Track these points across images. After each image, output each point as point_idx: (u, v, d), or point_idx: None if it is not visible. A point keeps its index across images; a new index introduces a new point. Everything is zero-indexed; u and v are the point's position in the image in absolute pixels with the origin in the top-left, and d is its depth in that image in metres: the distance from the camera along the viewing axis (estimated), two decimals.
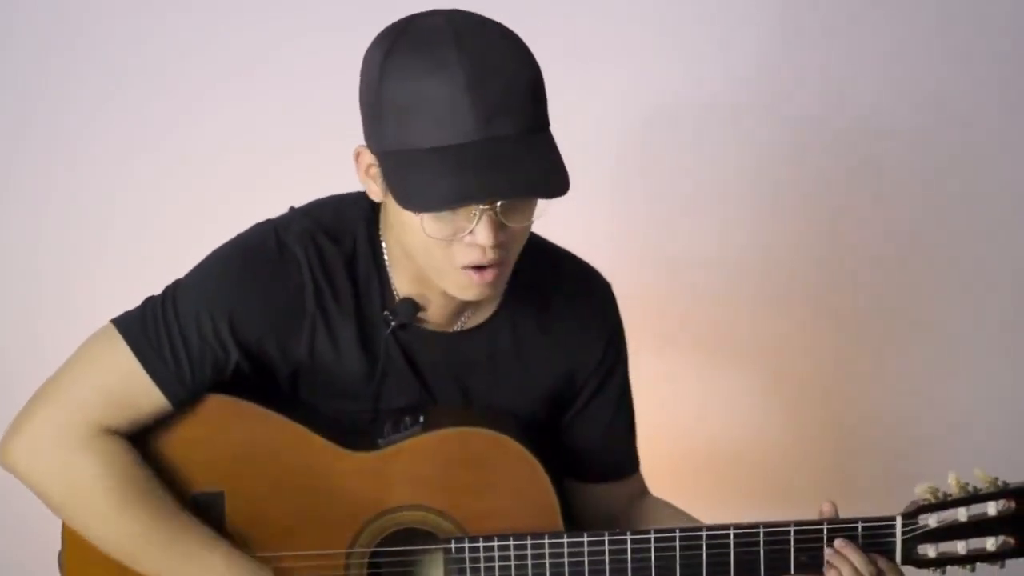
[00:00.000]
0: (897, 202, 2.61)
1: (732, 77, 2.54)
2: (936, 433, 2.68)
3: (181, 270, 1.70)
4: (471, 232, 1.52)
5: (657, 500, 1.87)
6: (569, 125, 1.65)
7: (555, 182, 1.48)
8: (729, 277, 2.60)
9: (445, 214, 1.51)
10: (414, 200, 1.48)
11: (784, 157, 2.57)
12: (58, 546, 1.72)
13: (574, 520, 1.83)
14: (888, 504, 2.51)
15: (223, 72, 2.47)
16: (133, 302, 1.70)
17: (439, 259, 1.56)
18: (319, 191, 1.77)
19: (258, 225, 1.70)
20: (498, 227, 1.52)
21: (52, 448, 1.62)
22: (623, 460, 1.86)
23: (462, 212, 1.51)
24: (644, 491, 1.89)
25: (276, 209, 1.74)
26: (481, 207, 1.50)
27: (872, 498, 2.63)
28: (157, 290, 1.69)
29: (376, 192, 1.58)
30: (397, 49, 1.49)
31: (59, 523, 1.70)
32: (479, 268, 1.55)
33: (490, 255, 1.54)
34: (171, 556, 1.63)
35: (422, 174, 1.47)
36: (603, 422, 1.81)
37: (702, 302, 2.59)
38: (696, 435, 2.59)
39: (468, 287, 1.58)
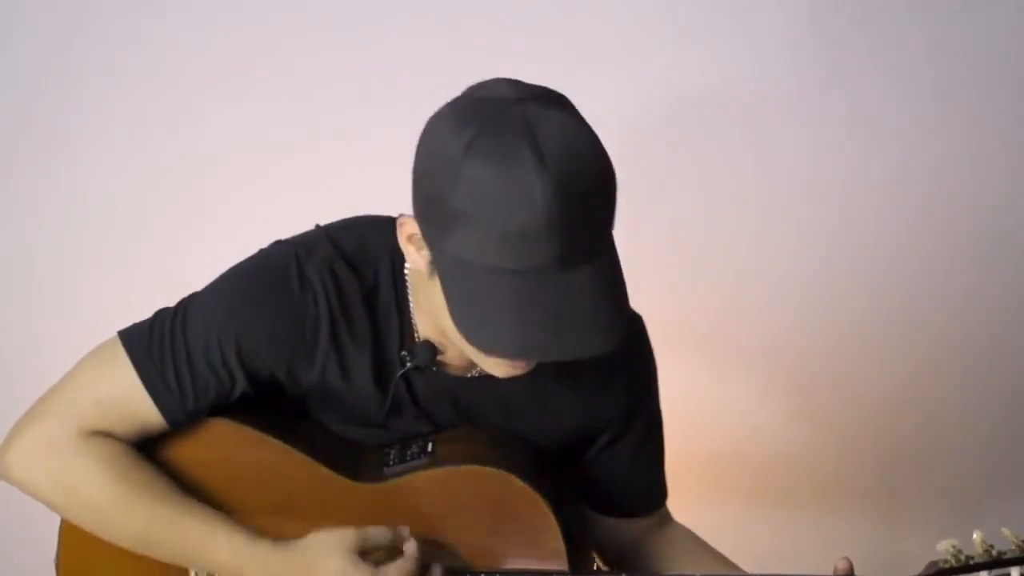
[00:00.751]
0: (899, 204, 2.61)
1: (732, 77, 2.53)
2: (936, 434, 2.68)
3: (181, 270, 1.70)
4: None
5: (679, 531, 1.83)
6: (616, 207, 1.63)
7: (616, 335, 1.44)
8: (729, 278, 2.60)
9: None
10: (474, 334, 1.43)
11: (785, 157, 2.57)
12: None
13: (597, 548, 1.81)
14: (887, 504, 2.52)
15: (223, 72, 2.47)
16: (133, 302, 1.69)
17: (473, 351, 1.52)
18: (319, 191, 1.77)
19: (280, 245, 1.65)
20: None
21: (48, 457, 1.61)
22: (649, 496, 1.82)
23: None
24: (667, 519, 1.85)
25: (276, 210, 1.73)
26: None
27: (871, 499, 2.64)
28: (156, 291, 1.68)
29: (418, 262, 1.51)
30: (477, 146, 1.39)
31: (59, 523, 1.70)
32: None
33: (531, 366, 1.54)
34: (177, 541, 1.62)
35: (488, 302, 1.42)
36: (625, 460, 1.77)
37: (703, 303, 2.58)
38: (696, 436, 2.58)
39: (502, 369, 1.55)
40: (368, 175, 2.02)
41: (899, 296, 2.65)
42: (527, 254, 1.39)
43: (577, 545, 1.68)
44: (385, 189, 1.75)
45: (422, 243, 1.48)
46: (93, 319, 1.70)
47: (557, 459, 1.74)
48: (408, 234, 1.50)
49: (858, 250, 2.62)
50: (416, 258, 1.51)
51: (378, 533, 1.60)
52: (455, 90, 1.56)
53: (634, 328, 1.73)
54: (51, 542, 1.72)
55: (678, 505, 1.90)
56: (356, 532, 1.58)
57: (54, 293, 2.52)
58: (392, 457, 1.67)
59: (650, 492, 1.82)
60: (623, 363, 1.71)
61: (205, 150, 2.48)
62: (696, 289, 2.58)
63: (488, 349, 1.44)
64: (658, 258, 2.55)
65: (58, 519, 1.70)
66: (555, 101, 1.46)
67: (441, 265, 1.46)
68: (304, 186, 2.15)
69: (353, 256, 1.62)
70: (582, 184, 1.39)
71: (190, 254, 1.73)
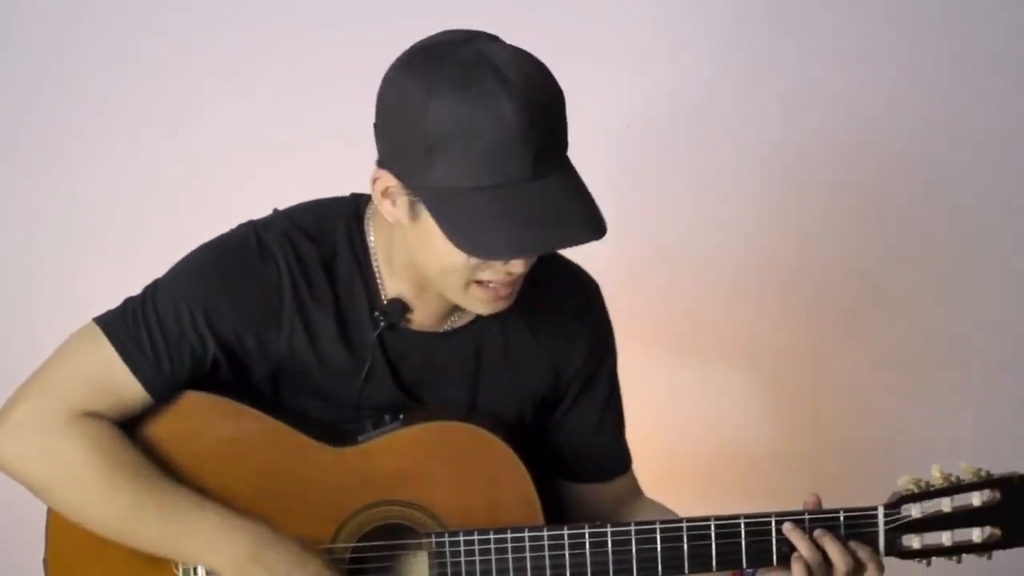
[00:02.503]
0: (893, 204, 2.62)
1: (732, 78, 2.54)
2: (931, 434, 2.68)
3: None
4: (506, 261, 1.56)
5: (651, 502, 1.88)
6: (569, 125, 1.65)
7: (598, 223, 1.53)
8: (725, 278, 2.60)
9: None
10: (471, 244, 1.51)
11: (782, 158, 2.58)
12: None
13: (565, 518, 1.82)
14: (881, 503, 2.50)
15: (223, 72, 2.47)
16: None
17: (459, 280, 1.59)
18: (319, 191, 1.77)
19: (239, 225, 1.72)
20: (530, 258, 1.58)
21: (34, 435, 1.63)
22: (613, 460, 1.86)
23: None
24: (638, 493, 1.90)
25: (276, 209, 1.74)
26: None
27: (868, 498, 2.64)
28: None
29: (394, 214, 1.58)
30: (438, 85, 1.49)
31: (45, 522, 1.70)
32: (502, 288, 1.60)
33: (514, 278, 1.58)
34: (162, 524, 1.63)
35: (476, 216, 1.50)
36: (591, 422, 1.82)
37: (697, 303, 2.59)
38: (691, 435, 2.59)
39: (485, 303, 1.62)
40: (368, 175, 2.01)
41: (894, 297, 2.65)
42: (504, 167, 1.48)
43: (548, 508, 1.72)
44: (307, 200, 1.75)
45: (399, 191, 1.56)
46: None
47: (528, 430, 1.78)
48: (383, 188, 1.58)
49: (847, 250, 2.63)
50: (392, 210, 1.58)
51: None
52: None
53: (594, 294, 1.82)
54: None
55: (672, 506, 1.90)
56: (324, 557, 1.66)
57: (54, 293, 2.52)
58: (366, 427, 1.70)
59: (617, 454, 1.87)
60: (583, 320, 1.79)
61: (205, 150, 2.49)
62: (691, 290, 2.58)
63: (485, 254, 1.52)
64: (646, 258, 2.55)
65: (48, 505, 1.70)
66: (495, 37, 1.58)
67: (427, 199, 1.53)
68: (304, 186, 2.13)
69: (310, 228, 1.68)
70: (542, 97, 1.50)
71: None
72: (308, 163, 2.45)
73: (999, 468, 1.69)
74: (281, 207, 1.73)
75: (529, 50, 1.55)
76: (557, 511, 1.75)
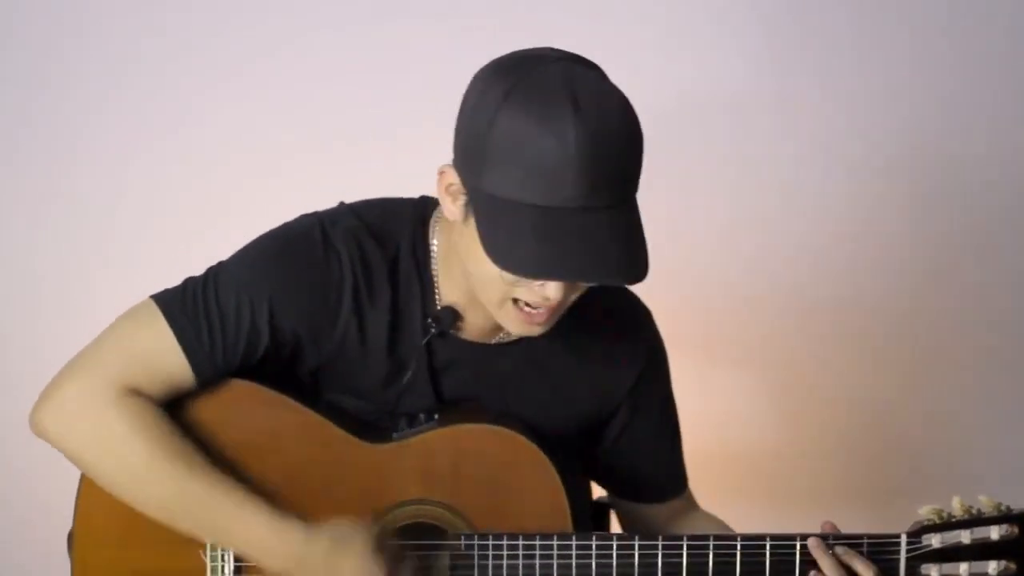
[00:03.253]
0: (899, 206, 2.61)
1: (734, 78, 2.54)
2: (933, 436, 2.68)
3: (181, 270, 1.70)
4: (542, 284, 1.55)
5: (703, 518, 1.88)
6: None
7: (636, 269, 1.52)
8: (729, 278, 2.60)
9: None
10: (500, 255, 1.51)
11: (786, 159, 2.57)
12: (59, 546, 1.72)
13: (603, 528, 1.86)
14: (885, 506, 2.51)
15: (223, 72, 2.47)
16: (133, 302, 1.70)
17: (496, 294, 1.58)
18: (319, 191, 1.77)
19: (305, 216, 1.71)
20: (569, 288, 1.57)
21: (82, 409, 1.62)
22: (668, 483, 1.86)
23: None
24: (693, 506, 1.90)
25: (277, 210, 1.74)
26: None
27: (869, 500, 2.63)
28: (157, 290, 1.69)
29: (454, 212, 1.58)
30: (515, 95, 1.49)
31: (60, 522, 1.70)
32: (537, 311, 1.59)
33: (551, 303, 1.57)
34: (210, 511, 1.63)
35: (514, 229, 1.50)
36: (645, 445, 1.82)
37: (703, 303, 2.59)
38: (697, 436, 2.58)
39: (518, 323, 1.61)
40: (368, 175, 2.02)
41: (900, 299, 2.65)
42: (555, 190, 1.48)
43: (579, 515, 1.72)
44: (385, 188, 1.76)
45: (459, 191, 1.56)
46: (93, 319, 1.69)
47: (571, 442, 1.78)
48: (447, 183, 1.58)
49: (853, 252, 2.63)
50: (451, 207, 1.58)
51: (392, 544, 1.66)
52: (455, 89, 1.57)
53: (645, 319, 1.82)
54: (50, 543, 1.72)
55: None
56: (376, 527, 1.65)
57: (54, 293, 2.52)
58: (401, 424, 1.70)
59: (673, 476, 1.87)
60: (634, 345, 1.78)
61: (205, 150, 2.49)
62: (696, 290, 2.58)
63: (513, 268, 1.51)
64: (659, 259, 2.54)
65: (58, 519, 1.70)
66: (593, 66, 1.57)
67: (475, 202, 1.54)
68: (304, 186, 2.14)
69: (377, 228, 1.68)
70: (612, 134, 1.49)
71: (190, 254, 1.73)
72: (308, 163, 2.45)
73: (1005, 471, 1.69)
74: (294, 210, 1.72)
75: (638, 121, 1.55)
76: (575, 513, 1.73)
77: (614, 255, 1.50)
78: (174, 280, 1.69)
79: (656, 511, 1.86)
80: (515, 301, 1.58)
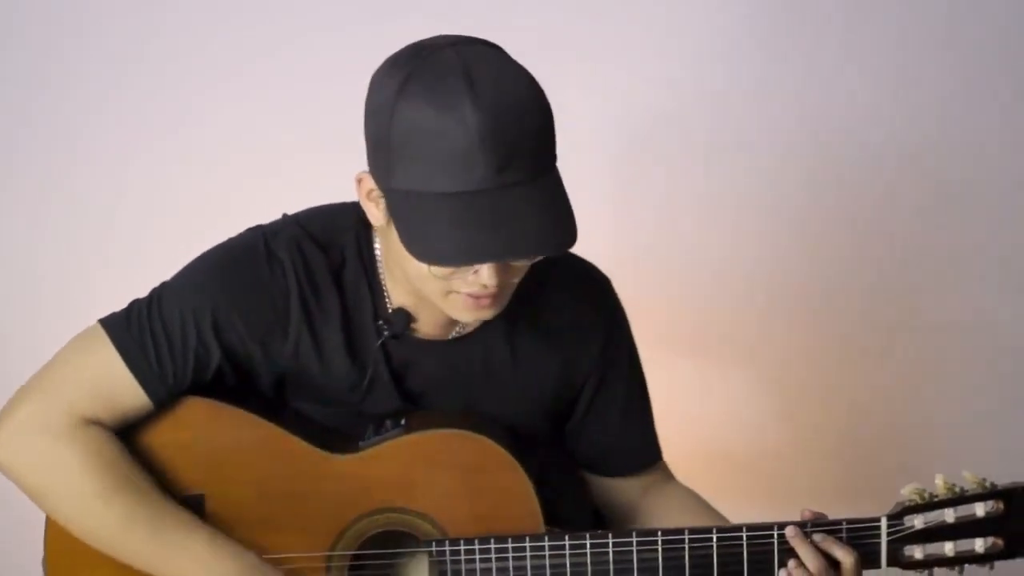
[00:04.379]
0: (897, 208, 2.61)
1: (735, 78, 2.54)
2: (933, 436, 2.68)
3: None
4: (475, 272, 1.53)
5: (678, 490, 1.85)
6: (569, 126, 1.64)
7: (562, 236, 1.49)
8: (728, 280, 2.60)
9: None
10: (421, 249, 1.49)
11: (784, 160, 2.57)
12: None
13: (598, 512, 1.84)
14: (886, 506, 2.51)
15: (223, 72, 2.47)
16: None
17: (436, 288, 1.56)
18: (319, 191, 1.77)
19: (248, 230, 1.70)
20: (503, 270, 1.54)
21: (34, 437, 1.61)
22: (641, 454, 1.84)
23: None
24: (668, 478, 1.87)
25: (277, 210, 1.74)
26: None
27: (869, 500, 2.63)
28: None
29: (378, 217, 1.57)
30: (410, 87, 1.48)
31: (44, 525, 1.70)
32: (478, 298, 1.56)
33: (491, 289, 1.55)
34: (154, 542, 1.62)
35: (430, 222, 1.48)
36: (614, 416, 1.80)
37: (701, 304, 2.59)
38: (696, 436, 2.59)
39: (466, 310, 1.59)
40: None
41: (898, 300, 2.65)
42: (463, 175, 1.45)
43: (563, 516, 1.72)
44: (318, 205, 1.75)
45: (378, 195, 1.55)
46: (93, 319, 1.70)
47: (542, 432, 1.77)
48: (367, 190, 1.57)
49: (853, 253, 2.63)
50: (375, 213, 1.57)
51: None
52: None
53: (604, 288, 1.79)
54: None
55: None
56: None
57: (54, 293, 2.52)
58: (368, 433, 1.69)
59: (644, 449, 1.85)
60: (595, 315, 1.76)
61: (205, 150, 2.49)
62: (695, 291, 2.58)
63: (433, 259, 1.49)
64: (647, 258, 2.55)
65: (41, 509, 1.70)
66: (491, 45, 1.54)
67: (391, 203, 1.52)
68: (304, 186, 2.13)
69: (319, 235, 1.67)
70: (513, 108, 1.46)
71: (190, 254, 1.73)
72: (308, 163, 2.44)
73: (1006, 472, 1.68)
74: (290, 212, 1.72)
75: (528, 50, 1.54)
76: (547, 514, 1.71)
77: (535, 228, 1.47)
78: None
79: (630, 484, 1.84)
80: (458, 292, 1.56)
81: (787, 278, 2.61)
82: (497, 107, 1.45)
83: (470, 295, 1.56)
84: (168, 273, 1.71)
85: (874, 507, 2.59)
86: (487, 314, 1.60)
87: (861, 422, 2.66)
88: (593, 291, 1.79)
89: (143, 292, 1.70)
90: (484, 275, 1.52)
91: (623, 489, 1.84)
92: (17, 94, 2.48)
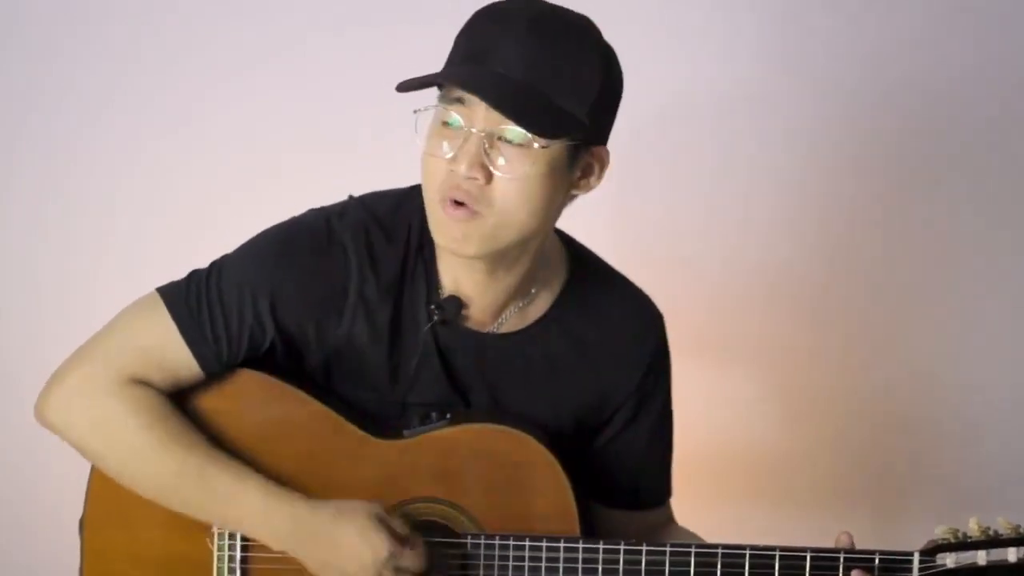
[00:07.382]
0: (902, 206, 2.61)
1: (736, 78, 2.54)
2: (934, 435, 2.68)
3: (181, 270, 1.71)
4: (454, 158, 1.55)
5: (682, 530, 1.86)
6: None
7: (504, 101, 1.52)
8: (731, 279, 2.59)
9: (437, 130, 1.57)
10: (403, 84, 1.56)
11: (787, 158, 2.57)
12: (60, 545, 1.72)
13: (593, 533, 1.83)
14: (886, 506, 2.51)
15: (224, 72, 2.47)
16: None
17: (429, 191, 1.58)
18: (319, 191, 1.77)
19: (312, 210, 1.72)
20: (477, 160, 1.55)
21: (85, 397, 1.64)
22: (653, 491, 1.85)
23: (451, 132, 1.56)
24: (669, 520, 1.89)
25: (276, 210, 1.74)
26: (471, 131, 1.54)
27: (870, 500, 2.63)
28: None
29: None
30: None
31: (61, 521, 1.70)
32: (455, 204, 1.57)
33: (464, 185, 1.55)
34: (207, 491, 1.65)
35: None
36: (636, 451, 1.80)
37: (703, 304, 2.58)
38: (698, 437, 2.58)
39: (444, 224, 1.58)
40: (369, 175, 2.02)
41: (902, 300, 2.65)
42: (482, 44, 1.56)
43: (585, 517, 1.73)
44: (385, 188, 1.76)
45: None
46: (93, 319, 1.70)
47: (570, 443, 1.77)
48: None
49: (858, 254, 2.62)
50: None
51: (397, 523, 1.66)
52: None
53: (655, 323, 1.80)
54: (52, 543, 1.72)
55: (677, 505, 1.90)
56: (380, 505, 1.65)
57: (54, 293, 2.52)
58: (413, 422, 1.71)
59: (657, 485, 1.86)
60: (640, 347, 1.77)
61: (205, 150, 2.49)
62: (697, 291, 2.58)
63: (410, 86, 1.56)
64: (652, 259, 2.54)
65: (59, 518, 1.71)
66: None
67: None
68: (305, 186, 2.14)
69: (386, 221, 1.68)
70: (559, 34, 1.59)
71: (190, 254, 1.73)
72: (308, 163, 2.45)
73: (1008, 473, 1.68)
74: (290, 212, 1.72)
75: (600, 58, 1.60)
76: (583, 518, 1.73)
77: (491, 80, 1.53)
78: (174, 279, 1.70)
79: (629, 518, 1.84)
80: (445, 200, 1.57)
81: (788, 278, 2.61)
82: (544, 28, 1.57)
83: (448, 207, 1.56)
84: (167, 273, 1.71)
85: (874, 507, 2.59)
86: (456, 231, 1.58)
87: (862, 423, 2.66)
88: (645, 323, 1.79)
89: (143, 292, 1.70)
90: (459, 157, 1.54)
91: (624, 522, 1.84)
92: (17, 94, 2.48)
